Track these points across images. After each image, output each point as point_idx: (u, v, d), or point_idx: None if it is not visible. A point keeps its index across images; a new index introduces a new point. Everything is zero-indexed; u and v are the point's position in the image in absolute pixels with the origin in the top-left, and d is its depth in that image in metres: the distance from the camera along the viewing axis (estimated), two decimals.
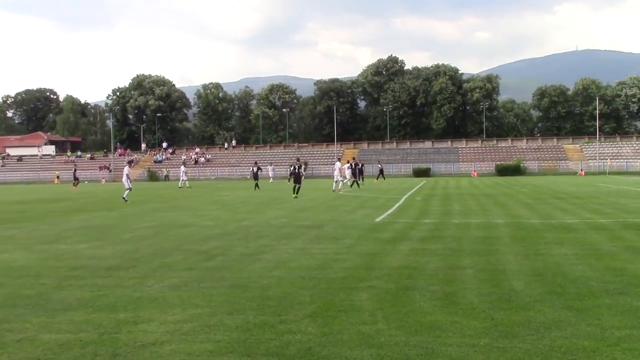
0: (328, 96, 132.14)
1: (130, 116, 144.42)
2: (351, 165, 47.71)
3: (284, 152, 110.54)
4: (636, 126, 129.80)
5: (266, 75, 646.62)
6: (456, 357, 6.02)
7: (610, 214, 21.08)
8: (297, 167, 34.23)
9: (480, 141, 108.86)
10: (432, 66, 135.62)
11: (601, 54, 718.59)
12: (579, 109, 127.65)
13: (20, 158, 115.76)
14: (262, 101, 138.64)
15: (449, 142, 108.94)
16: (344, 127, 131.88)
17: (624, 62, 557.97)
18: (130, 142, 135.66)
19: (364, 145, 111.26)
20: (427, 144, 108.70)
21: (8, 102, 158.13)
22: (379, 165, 66.39)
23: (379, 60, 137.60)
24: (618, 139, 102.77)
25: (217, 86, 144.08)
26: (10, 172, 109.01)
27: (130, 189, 33.63)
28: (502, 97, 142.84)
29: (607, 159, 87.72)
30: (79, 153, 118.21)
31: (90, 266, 11.78)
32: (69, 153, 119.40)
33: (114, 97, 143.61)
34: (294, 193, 33.70)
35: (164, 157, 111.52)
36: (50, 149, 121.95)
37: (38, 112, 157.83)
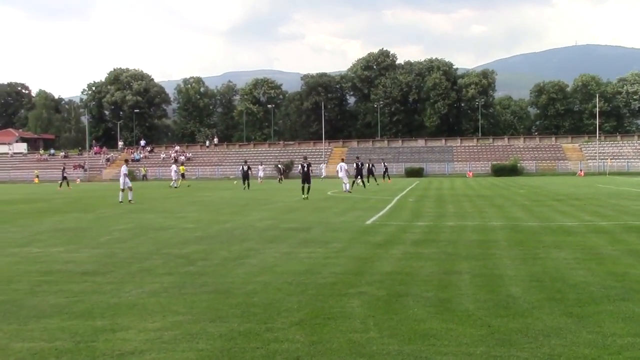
0: (316, 92, 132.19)
1: (107, 112, 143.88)
2: (357, 164, 48.33)
3: (268, 150, 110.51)
4: (638, 125, 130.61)
5: (250, 69, 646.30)
6: None
7: (611, 216, 21.21)
8: (306, 165, 34.19)
9: (475, 140, 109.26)
10: (425, 61, 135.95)
11: (602, 49, 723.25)
12: (579, 106, 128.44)
13: None
14: (245, 97, 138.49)
15: (443, 141, 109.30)
16: (332, 124, 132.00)
17: (626, 58, 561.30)
18: (107, 140, 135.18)
19: (354, 144, 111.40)
20: (420, 143, 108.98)
21: None
22: (384, 164, 66.00)
23: (370, 54, 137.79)
24: (619, 138, 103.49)
25: (198, 81, 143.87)
26: None
27: (130, 188, 33.17)
28: (499, 94, 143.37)
29: (607, 159, 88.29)
30: (52, 151, 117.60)
31: (64, 271, 11.73)
32: (41, 151, 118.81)
33: (89, 92, 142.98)
34: (303, 193, 33.48)
35: (141, 155, 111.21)
36: (22, 147, 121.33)
37: (9, 107, 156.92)
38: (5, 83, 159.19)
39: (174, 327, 7.59)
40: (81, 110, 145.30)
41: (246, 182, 50.72)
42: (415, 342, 6.77)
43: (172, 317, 8.05)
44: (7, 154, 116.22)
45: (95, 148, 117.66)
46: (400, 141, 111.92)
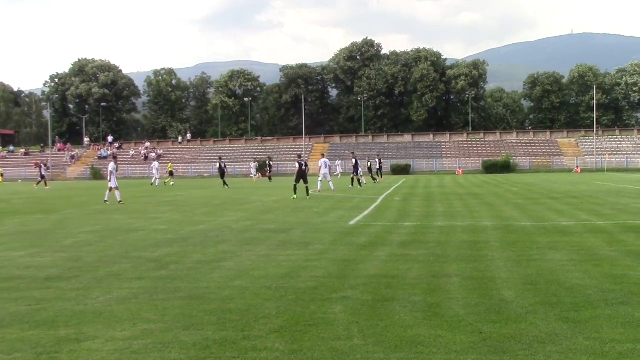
0: (295, 84, 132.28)
1: (71, 106, 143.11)
2: (354, 160, 48.88)
3: (245, 147, 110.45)
4: (637, 118, 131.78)
5: (225, 60, 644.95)
6: None
7: (609, 215, 21.38)
8: (303, 164, 34.06)
9: (465, 135, 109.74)
10: (412, 51, 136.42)
11: (599, 38, 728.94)
12: (575, 99, 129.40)
13: None
14: (220, 89, 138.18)
15: (431, 136, 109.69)
16: (313, 118, 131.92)
17: (625, 47, 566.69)
18: (71, 136, 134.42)
19: (336, 139, 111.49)
20: (407, 138, 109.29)
21: None
22: (379, 160, 65.81)
23: (353, 44, 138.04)
24: (617, 132, 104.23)
25: (170, 72, 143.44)
26: None
27: (117, 187, 32.54)
28: (490, 86, 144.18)
29: (605, 155, 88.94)
30: (11, 148, 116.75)
31: (26, 276, 11.63)
32: None
33: (52, 84, 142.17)
34: (295, 193, 33.20)
35: (109, 152, 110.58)
36: None
37: None
38: None
39: (144, 335, 7.55)
40: (43, 103, 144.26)
41: (223, 180, 51.60)
42: (402, 350, 6.78)
43: (143, 325, 8.01)
44: None
45: (58, 144, 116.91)
46: (385, 136, 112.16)
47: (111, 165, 33.25)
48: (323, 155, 42.98)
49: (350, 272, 11.32)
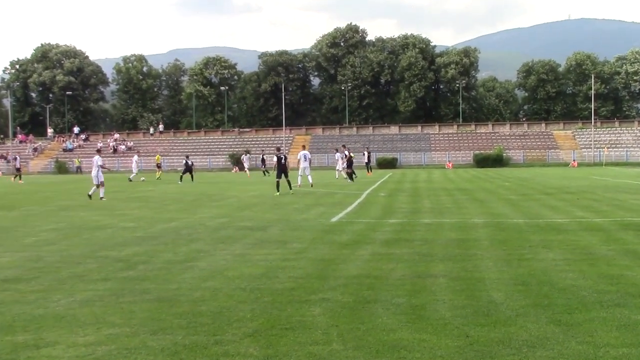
0: (275, 72, 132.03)
1: (33, 94, 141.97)
2: (345, 154, 49.20)
3: (221, 139, 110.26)
4: (638, 109, 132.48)
5: (200, 46, 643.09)
6: None
7: (606, 212, 21.55)
8: (283, 157, 34.01)
9: (455, 126, 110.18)
10: (399, 37, 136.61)
11: (598, 24, 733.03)
12: (572, 88, 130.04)
13: None
14: (195, 77, 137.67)
15: (419, 128, 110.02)
16: (294, 109, 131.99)
17: (625, 34, 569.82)
18: (34, 126, 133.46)
19: (318, 131, 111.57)
20: (394, 130, 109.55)
21: None
22: (367, 153, 65.62)
23: (336, 30, 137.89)
24: (617, 124, 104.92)
25: (141, 59, 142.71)
26: None
27: (102, 183, 31.90)
28: (482, 75, 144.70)
29: (603, 148, 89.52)
30: None
31: None
32: None
33: (13, 70, 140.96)
34: (277, 190, 33.16)
35: (75, 144, 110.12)
36: None
37: None
38: None
39: (108, 341, 7.52)
40: (3, 92, 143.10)
41: (191, 175, 52.88)
42: (384, 355, 6.80)
43: (107, 330, 7.98)
44: None
45: (20, 136, 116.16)
46: (371, 128, 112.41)
47: (99, 159, 32.69)
48: (304, 147, 42.95)
49: (330, 273, 11.34)
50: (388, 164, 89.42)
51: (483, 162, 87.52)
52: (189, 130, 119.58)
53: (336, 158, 56.16)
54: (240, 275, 11.23)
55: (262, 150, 75.76)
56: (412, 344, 7.13)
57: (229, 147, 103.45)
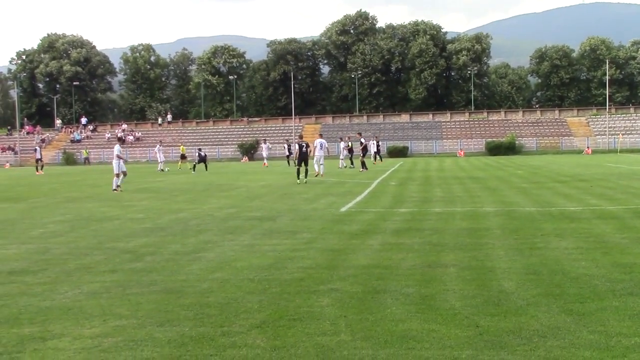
0: (284, 60, 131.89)
1: (41, 85, 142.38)
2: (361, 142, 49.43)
3: (230, 128, 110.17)
4: None
5: (208, 35, 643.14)
6: None
7: (620, 199, 21.47)
8: (304, 145, 33.97)
9: (467, 114, 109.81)
10: (409, 23, 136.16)
11: (613, 7, 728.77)
12: (586, 74, 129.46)
13: None
14: (203, 66, 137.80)
15: (430, 116, 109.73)
16: (303, 97, 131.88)
17: None
18: (41, 117, 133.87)
19: (328, 120, 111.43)
20: (404, 118, 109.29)
21: None
22: (377, 142, 65.23)
23: (346, 17, 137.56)
24: (632, 110, 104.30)
25: (148, 48, 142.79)
26: None
27: (125, 173, 31.79)
28: (494, 61, 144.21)
29: (618, 135, 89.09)
30: None
31: None
32: None
33: (19, 61, 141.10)
34: (298, 178, 33.12)
35: (83, 135, 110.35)
36: None
37: None
38: None
39: (115, 332, 7.54)
40: (10, 82, 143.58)
41: (205, 165, 53.45)
42: (392, 346, 6.79)
43: (114, 322, 8.01)
44: None
45: (27, 127, 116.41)
46: (381, 116, 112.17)
47: (117, 148, 32.62)
48: (321, 136, 42.84)
49: (339, 263, 11.35)
50: (399, 152, 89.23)
51: (495, 150, 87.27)
52: (198, 120, 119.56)
53: (341, 147, 55.92)
54: (248, 266, 11.24)
55: (287, 139, 75.58)
56: (421, 334, 7.13)
57: (238, 136, 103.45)
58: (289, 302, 8.69)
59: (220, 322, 7.85)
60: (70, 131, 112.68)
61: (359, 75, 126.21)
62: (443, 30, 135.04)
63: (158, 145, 63.40)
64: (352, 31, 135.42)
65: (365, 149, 48.96)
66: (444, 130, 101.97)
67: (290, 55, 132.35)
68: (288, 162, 58.95)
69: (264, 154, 68.23)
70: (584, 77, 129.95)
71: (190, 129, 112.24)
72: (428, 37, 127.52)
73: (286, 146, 63.91)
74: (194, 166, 52.75)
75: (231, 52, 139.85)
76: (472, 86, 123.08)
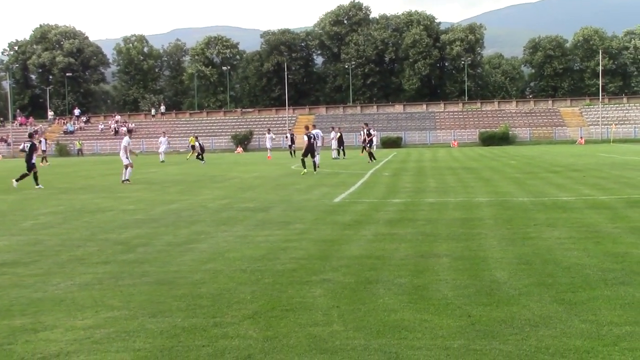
0: (278, 51, 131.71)
1: (33, 76, 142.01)
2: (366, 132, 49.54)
3: (224, 119, 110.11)
4: None
5: (201, 26, 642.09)
6: None
7: (613, 189, 21.51)
8: (312, 136, 33.87)
9: (461, 104, 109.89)
10: (403, 14, 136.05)
11: None
12: (579, 64, 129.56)
13: None
14: (196, 57, 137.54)
15: (424, 106, 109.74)
16: (297, 88, 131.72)
17: (635, 8, 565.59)
18: (34, 109, 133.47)
19: (322, 110, 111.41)
20: (398, 108, 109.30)
21: None
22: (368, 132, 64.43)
23: (339, 7, 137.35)
24: (625, 100, 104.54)
25: (141, 39, 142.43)
26: None
27: (131, 165, 31.13)
28: (488, 51, 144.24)
29: (611, 125, 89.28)
30: None
31: None
32: None
33: (11, 52, 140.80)
34: (304, 168, 32.86)
35: (76, 126, 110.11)
36: None
37: None
38: None
39: (107, 324, 7.54)
40: (2, 74, 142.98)
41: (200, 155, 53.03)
42: (385, 336, 6.80)
43: (106, 313, 8.00)
44: None
45: (20, 119, 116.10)
46: (375, 107, 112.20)
47: (126, 140, 32.21)
48: (314, 127, 42.85)
49: (332, 253, 11.36)
50: (393, 143, 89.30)
51: (489, 140, 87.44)
52: (191, 111, 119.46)
53: (331, 137, 55.12)
54: (241, 257, 11.24)
55: (289, 128, 75.15)
56: (413, 324, 7.14)
57: (232, 127, 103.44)
58: (281, 293, 8.69)
59: (212, 313, 7.85)
60: (63, 122, 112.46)
61: (353, 66, 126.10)
62: (437, 21, 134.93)
63: (162, 138, 61.93)
64: (345, 22, 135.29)
65: (371, 141, 48.65)
66: (437, 121, 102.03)
67: (283, 46, 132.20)
68: (290, 153, 58.76)
69: (268, 144, 65.36)
70: (578, 68, 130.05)
71: (183, 120, 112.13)
72: (422, 27, 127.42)
73: (289, 136, 63.42)
74: (201, 156, 52.51)
75: (224, 43, 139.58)
76: (466, 77, 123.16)
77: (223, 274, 9.97)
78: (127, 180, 30.31)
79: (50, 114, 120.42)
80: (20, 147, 31.35)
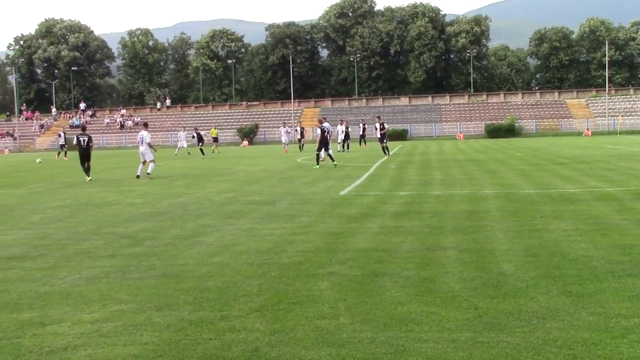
0: (283, 44, 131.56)
1: (39, 70, 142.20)
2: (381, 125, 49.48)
3: (229, 112, 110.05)
4: None
5: (206, 19, 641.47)
6: (432, 355, 6.06)
7: (620, 181, 21.45)
8: (326, 130, 33.87)
9: (466, 96, 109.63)
10: (408, 6, 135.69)
11: None
12: (585, 56, 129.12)
13: None
14: (201, 51, 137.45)
15: (430, 98, 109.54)
16: (302, 81, 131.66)
17: None
18: (40, 103, 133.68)
19: (327, 103, 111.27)
20: (404, 101, 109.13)
21: None
22: (363, 125, 63.42)
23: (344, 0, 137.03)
24: (632, 91, 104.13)
25: (146, 33, 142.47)
26: None
27: (153, 160, 30.41)
28: (493, 43, 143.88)
29: (618, 116, 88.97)
30: None
31: None
32: None
33: (17, 47, 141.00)
34: (317, 163, 32.85)
35: (81, 120, 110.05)
36: None
37: None
38: None
39: (114, 317, 7.55)
40: (8, 68, 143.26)
41: (200, 148, 53.65)
42: (392, 328, 6.80)
43: (113, 306, 8.01)
44: None
45: (26, 113, 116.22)
46: (380, 99, 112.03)
47: (145, 134, 31.54)
48: (325, 119, 42.63)
49: (338, 246, 11.35)
50: (398, 135, 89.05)
51: (495, 132, 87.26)
52: (197, 105, 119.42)
53: (338, 130, 54.86)
54: (247, 250, 11.24)
55: (299, 122, 74.94)
56: (420, 317, 7.13)
57: (237, 121, 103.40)
58: (288, 286, 8.69)
59: (219, 306, 7.86)
60: (69, 116, 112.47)
61: (358, 59, 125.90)
62: (442, 13, 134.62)
63: (181, 133, 61.21)
64: (350, 14, 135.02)
65: (384, 135, 47.85)
66: (443, 113, 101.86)
67: (289, 39, 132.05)
68: (299, 147, 58.71)
69: (284, 139, 63.17)
70: (584, 59, 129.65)
71: (189, 113, 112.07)
72: (427, 19, 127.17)
73: (298, 129, 63.53)
74: (201, 150, 52.88)
75: (229, 36, 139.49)
76: (472, 69, 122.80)
77: (230, 267, 9.97)
78: (148, 174, 29.80)
79: (53, 110, 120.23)
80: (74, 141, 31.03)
